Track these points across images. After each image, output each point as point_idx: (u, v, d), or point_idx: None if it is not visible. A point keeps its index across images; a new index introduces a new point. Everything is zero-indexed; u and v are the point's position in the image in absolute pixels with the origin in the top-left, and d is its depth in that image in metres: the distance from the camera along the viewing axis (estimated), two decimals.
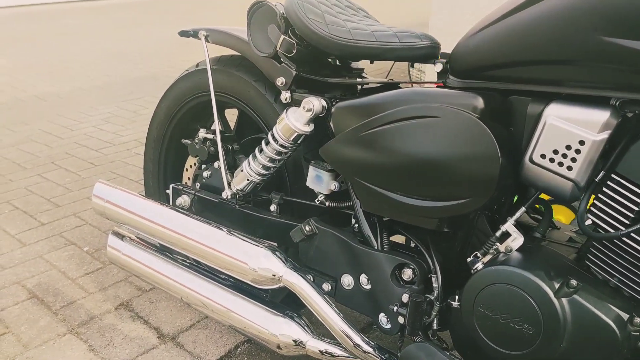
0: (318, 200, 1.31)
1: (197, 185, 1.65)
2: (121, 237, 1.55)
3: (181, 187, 1.56)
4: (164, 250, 1.49)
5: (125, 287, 1.92)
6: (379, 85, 1.31)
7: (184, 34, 1.56)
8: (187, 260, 1.46)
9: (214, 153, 1.53)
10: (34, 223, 2.39)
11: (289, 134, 1.27)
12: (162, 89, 4.58)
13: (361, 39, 1.20)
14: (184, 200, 1.55)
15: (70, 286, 1.93)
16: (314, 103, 1.22)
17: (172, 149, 1.76)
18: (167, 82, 4.84)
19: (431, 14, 3.61)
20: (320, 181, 1.29)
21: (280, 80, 1.31)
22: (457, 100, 1.01)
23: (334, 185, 1.27)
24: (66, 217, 2.44)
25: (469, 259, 1.06)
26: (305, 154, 1.40)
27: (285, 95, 1.32)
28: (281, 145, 1.30)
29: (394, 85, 1.30)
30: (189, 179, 1.72)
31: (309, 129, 1.26)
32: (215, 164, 1.55)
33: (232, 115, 1.65)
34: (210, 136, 1.54)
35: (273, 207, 1.40)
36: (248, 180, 1.39)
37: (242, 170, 1.39)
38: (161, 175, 1.79)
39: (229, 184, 1.44)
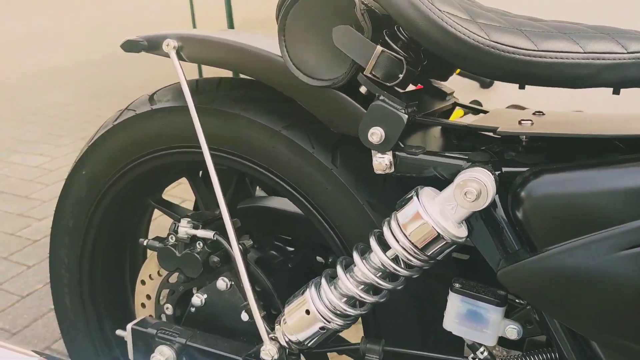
0: (476, 359, 0.69)
1: (167, 310, 0.92)
2: None
3: (159, 328, 0.82)
4: None
5: None
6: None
7: (129, 46, 0.81)
8: None
9: (215, 265, 0.82)
10: None
11: (425, 242, 0.63)
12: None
13: (557, 49, 0.61)
14: (164, 356, 0.81)
15: None
16: (486, 181, 0.60)
17: (106, 246, 0.99)
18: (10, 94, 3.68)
19: None
20: (482, 322, 0.67)
21: (377, 134, 0.66)
22: None
23: (515, 332, 0.66)
24: None
25: None
26: None
27: (383, 161, 0.67)
28: (406, 264, 0.65)
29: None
30: (148, 298, 0.97)
31: (465, 233, 0.63)
32: (220, 283, 0.83)
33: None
34: (205, 233, 0.82)
35: None
36: (323, 330, 0.71)
37: (307, 313, 0.71)
38: (85, 294, 1.00)
39: (270, 333, 0.75)
